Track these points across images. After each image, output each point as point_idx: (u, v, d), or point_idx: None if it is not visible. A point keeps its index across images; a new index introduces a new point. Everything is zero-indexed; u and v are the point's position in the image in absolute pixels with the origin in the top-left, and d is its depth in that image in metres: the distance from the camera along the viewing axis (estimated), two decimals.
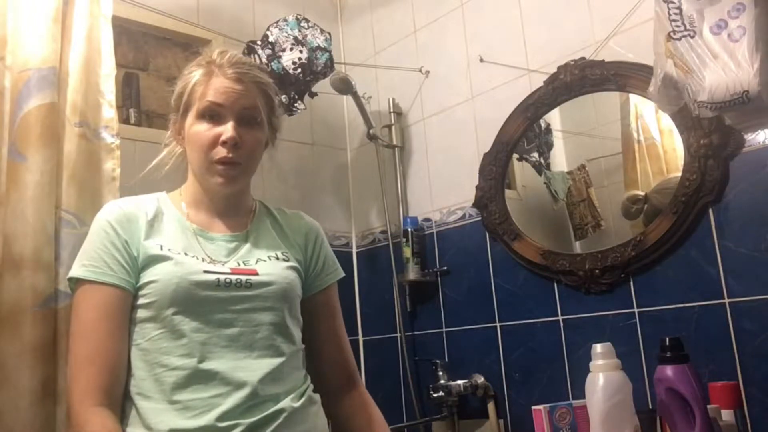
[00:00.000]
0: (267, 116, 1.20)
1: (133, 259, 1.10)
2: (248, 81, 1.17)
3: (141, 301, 1.09)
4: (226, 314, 1.08)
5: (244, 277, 1.11)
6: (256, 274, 1.13)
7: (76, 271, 1.09)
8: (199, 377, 1.04)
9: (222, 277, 1.09)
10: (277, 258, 1.18)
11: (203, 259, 1.12)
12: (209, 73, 1.17)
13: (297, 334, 1.18)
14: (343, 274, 1.33)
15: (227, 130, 1.12)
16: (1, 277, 1.35)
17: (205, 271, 1.09)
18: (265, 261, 1.17)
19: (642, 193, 1.60)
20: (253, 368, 1.07)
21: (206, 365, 1.05)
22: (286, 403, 1.08)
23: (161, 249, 1.10)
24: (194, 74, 1.18)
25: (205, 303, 1.07)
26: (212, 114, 1.14)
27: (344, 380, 1.27)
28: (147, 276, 1.09)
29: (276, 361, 1.10)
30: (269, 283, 1.13)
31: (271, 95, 1.22)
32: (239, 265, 1.13)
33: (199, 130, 1.14)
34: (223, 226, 1.19)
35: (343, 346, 1.28)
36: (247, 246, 1.18)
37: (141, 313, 1.09)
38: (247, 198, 1.26)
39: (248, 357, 1.08)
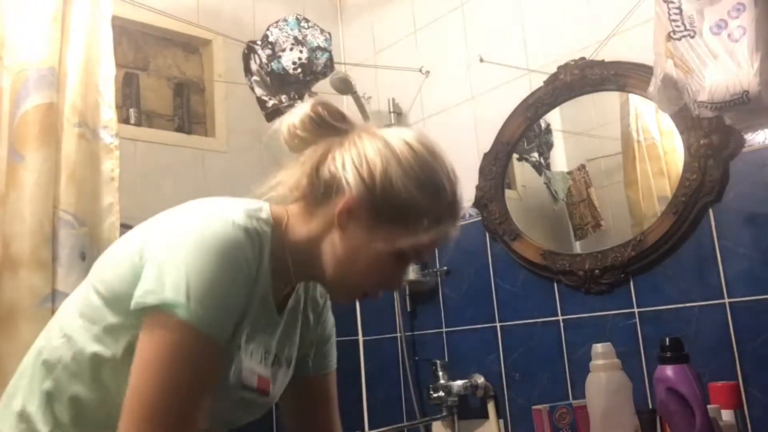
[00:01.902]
0: None
1: (236, 317, 0.82)
2: None
3: None
4: (221, 407, 0.87)
5: (261, 397, 0.93)
6: (268, 392, 0.94)
7: (201, 322, 0.76)
8: None
9: (251, 395, 0.90)
10: (288, 366, 1.00)
11: (255, 366, 0.90)
12: (452, 236, 0.94)
13: None
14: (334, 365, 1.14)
15: (403, 278, 0.96)
16: (0, 277, 1.35)
17: (246, 388, 0.88)
18: (280, 367, 0.97)
19: None
20: None
21: None
22: None
23: (244, 338, 0.85)
24: (445, 224, 0.91)
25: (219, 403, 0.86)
26: (406, 261, 0.93)
27: None
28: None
29: None
30: (272, 398, 0.97)
31: None
32: (265, 370, 0.93)
33: (388, 269, 0.90)
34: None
35: (334, 415, 1.14)
36: (276, 339, 0.95)
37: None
38: None
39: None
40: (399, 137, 0.90)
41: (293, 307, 0.98)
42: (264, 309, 0.89)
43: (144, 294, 0.76)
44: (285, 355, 0.97)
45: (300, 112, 0.91)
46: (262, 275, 0.84)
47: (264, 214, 0.88)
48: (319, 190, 0.88)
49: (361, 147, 0.88)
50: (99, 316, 0.82)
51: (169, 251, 0.78)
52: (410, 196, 0.86)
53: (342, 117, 0.92)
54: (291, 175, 0.91)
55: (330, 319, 1.09)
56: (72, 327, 0.84)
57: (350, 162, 0.86)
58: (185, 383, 0.75)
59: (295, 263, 0.90)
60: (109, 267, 0.86)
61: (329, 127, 0.90)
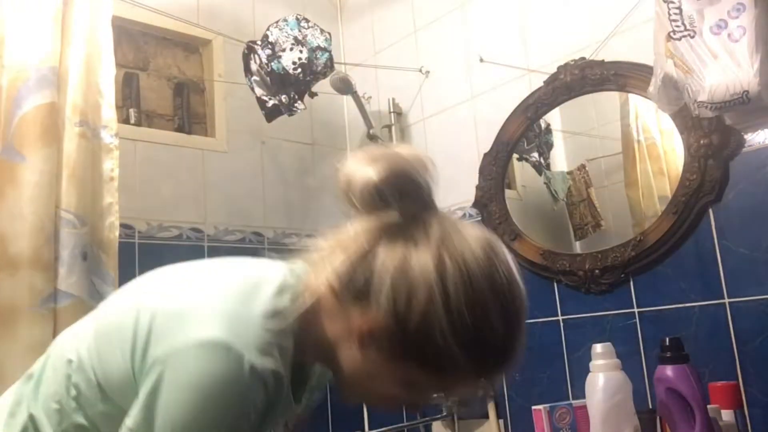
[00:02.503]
0: None
1: None
2: None
3: None
4: None
5: None
6: None
7: None
8: None
9: None
10: None
11: None
12: (491, 383, 0.84)
13: None
14: None
15: (421, 406, 0.89)
16: None
17: None
18: None
19: None
20: None
21: None
22: None
23: None
24: (483, 383, 0.81)
25: None
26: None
27: None
28: None
29: None
30: None
31: None
32: None
33: (408, 393, 0.78)
34: None
35: None
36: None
37: None
38: None
39: None
40: (461, 261, 0.70)
41: (308, 395, 0.88)
42: (283, 410, 0.79)
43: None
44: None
45: (365, 174, 0.73)
46: (282, 395, 0.74)
47: (291, 306, 0.74)
48: (352, 288, 0.73)
49: (409, 260, 0.70)
50: (91, 396, 0.74)
51: (177, 391, 0.67)
52: (447, 348, 0.69)
53: (414, 195, 0.75)
54: (333, 259, 0.75)
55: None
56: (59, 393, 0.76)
57: (390, 278, 0.70)
58: None
59: (313, 354, 0.79)
60: (106, 348, 0.74)
61: (389, 210, 0.73)
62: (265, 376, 0.68)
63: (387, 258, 0.71)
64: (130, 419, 0.68)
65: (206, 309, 0.70)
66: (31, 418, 0.77)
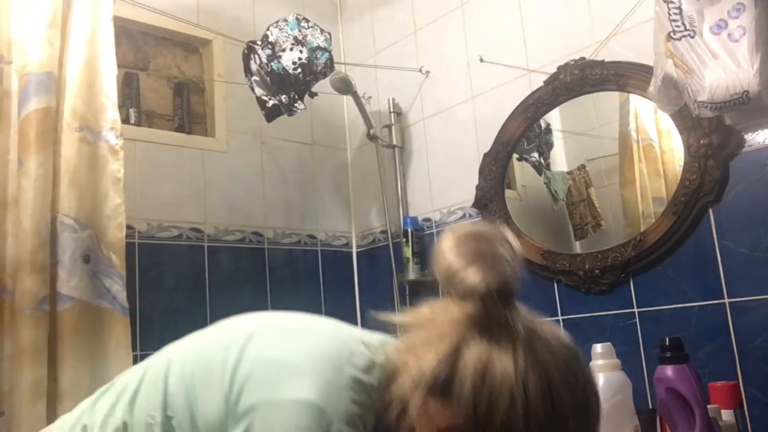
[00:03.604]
0: None
1: None
2: None
3: None
4: None
5: None
6: None
7: None
8: None
9: None
10: None
11: None
12: None
13: None
14: None
15: None
16: (5, 279, 1.35)
17: None
18: None
19: None
20: None
21: None
22: None
23: None
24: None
25: None
26: None
27: None
28: None
29: None
30: None
31: None
32: None
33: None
34: None
35: None
36: None
37: None
38: None
39: None
40: (543, 369, 0.71)
41: None
42: None
43: None
44: None
45: (471, 281, 0.73)
46: None
47: (377, 382, 0.76)
48: (435, 385, 0.73)
49: (493, 361, 0.70)
50: None
51: None
52: None
53: (509, 298, 0.75)
54: (426, 353, 0.75)
55: None
56: None
57: (471, 377, 0.70)
58: None
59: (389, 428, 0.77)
60: (204, 380, 0.76)
61: (484, 309, 0.74)
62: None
63: (471, 356, 0.71)
64: None
65: (305, 369, 0.73)
66: (125, 426, 0.78)
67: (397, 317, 0.81)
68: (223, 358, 0.76)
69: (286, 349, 0.76)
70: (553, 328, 0.77)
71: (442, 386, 0.72)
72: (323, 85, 2.00)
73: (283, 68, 1.84)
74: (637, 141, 1.65)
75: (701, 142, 1.46)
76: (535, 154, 1.85)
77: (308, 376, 0.72)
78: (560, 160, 1.84)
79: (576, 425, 0.73)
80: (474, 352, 0.71)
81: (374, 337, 0.82)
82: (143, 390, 0.80)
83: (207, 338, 0.83)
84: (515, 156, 1.87)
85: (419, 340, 0.77)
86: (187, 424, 0.75)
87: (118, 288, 1.48)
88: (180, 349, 0.83)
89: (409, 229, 2.04)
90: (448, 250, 0.76)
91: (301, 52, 1.85)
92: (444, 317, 0.77)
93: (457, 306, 0.75)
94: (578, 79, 1.70)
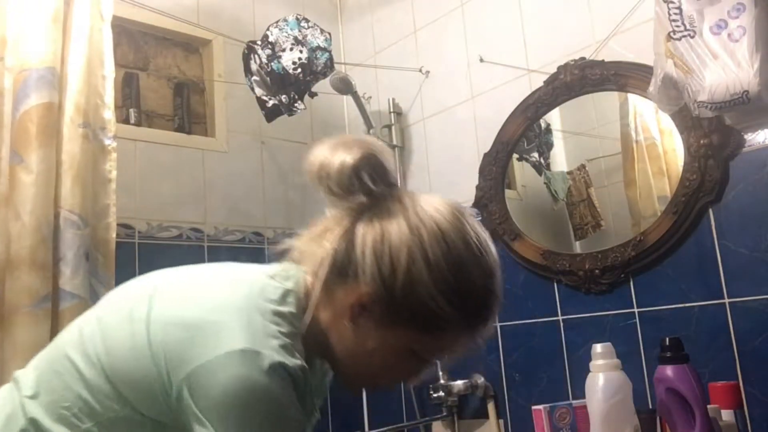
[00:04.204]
0: None
1: None
2: None
3: None
4: None
5: None
6: None
7: None
8: None
9: None
10: None
11: None
12: (480, 336, 0.84)
13: None
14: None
15: (420, 373, 0.86)
16: (2, 277, 1.35)
17: None
18: None
19: None
20: None
21: None
22: None
23: None
24: (473, 334, 0.82)
25: None
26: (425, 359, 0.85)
27: None
28: None
29: None
30: None
31: None
32: None
33: (406, 368, 0.83)
34: None
35: None
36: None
37: None
38: None
39: None
40: (433, 222, 0.76)
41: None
42: (309, 406, 0.82)
43: None
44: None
45: (339, 158, 0.77)
46: (308, 390, 0.77)
47: (296, 309, 0.78)
48: (338, 272, 0.78)
49: (387, 229, 0.76)
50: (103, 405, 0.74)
51: (220, 404, 0.69)
52: (435, 304, 0.74)
53: (385, 176, 0.79)
54: (314, 248, 0.81)
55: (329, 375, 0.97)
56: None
57: (371, 248, 0.75)
58: None
59: (315, 349, 0.81)
60: (120, 353, 0.74)
61: (365, 189, 0.78)
62: (295, 371, 0.71)
63: (366, 232, 0.76)
64: None
65: (222, 322, 0.72)
66: (33, 423, 0.76)
67: (294, 240, 0.83)
68: (130, 332, 0.74)
69: (196, 306, 0.75)
70: (433, 195, 0.82)
71: (342, 266, 0.77)
72: (323, 85, 2.00)
73: (283, 68, 1.84)
74: (638, 141, 1.65)
75: (701, 142, 1.46)
76: (535, 154, 1.85)
77: (228, 326, 0.72)
78: (560, 160, 1.83)
79: (476, 267, 0.77)
80: (365, 227, 0.77)
81: (277, 268, 0.82)
82: (48, 381, 0.78)
83: (108, 310, 0.81)
84: (515, 156, 1.87)
85: (313, 243, 0.82)
86: (110, 399, 0.74)
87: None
88: (76, 329, 0.80)
89: None
90: (312, 156, 0.80)
91: (301, 52, 1.85)
92: (331, 215, 0.81)
93: (341, 202, 0.80)
94: (578, 79, 1.70)
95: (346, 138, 0.80)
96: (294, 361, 0.72)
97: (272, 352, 0.70)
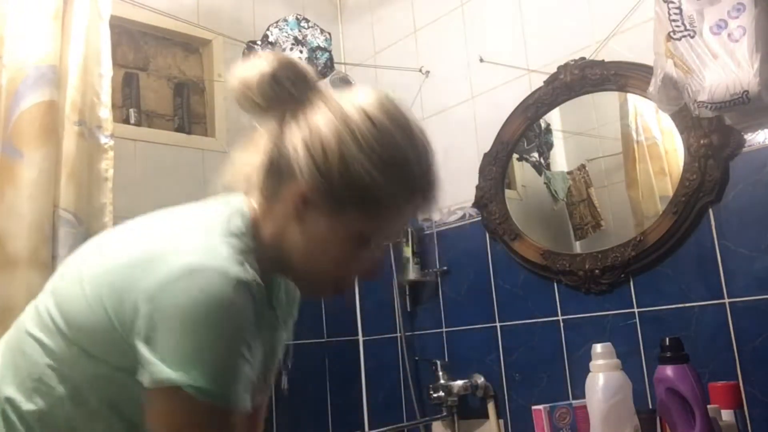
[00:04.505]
0: None
1: None
2: None
3: None
4: None
5: None
6: None
7: (224, 392, 0.70)
8: None
9: None
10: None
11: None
12: (423, 211, 0.87)
13: None
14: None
15: (377, 263, 0.88)
16: None
17: None
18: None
19: None
20: None
21: None
22: None
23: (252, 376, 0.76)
24: (413, 205, 0.84)
25: None
26: (377, 243, 0.86)
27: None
28: None
29: None
30: None
31: None
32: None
33: (350, 254, 0.83)
34: None
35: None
36: (275, 342, 0.92)
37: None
38: None
39: None
40: (358, 106, 0.79)
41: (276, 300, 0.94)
42: (264, 333, 0.82)
43: (157, 370, 0.68)
44: (275, 358, 0.92)
45: (257, 69, 0.79)
46: (264, 306, 0.79)
47: (244, 227, 0.79)
48: (275, 177, 0.81)
49: (314, 122, 0.78)
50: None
51: (176, 321, 0.69)
52: (371, 179, 0.77)
53: (303, 78, 0.81)
54: (247, 163, 0.84)
55: (295, 307, 1.00)
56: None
57: (302, 143, 0.77)
58: None
59: (269, 264, 0.82)
60: (78, 308, 0.76)
61: (286, 94, 0.80)
62: (249, 282, 0.72)
63: (293, 131, 0.79)
64: (146, 375, 0.69)
65: (170, 246, 0.74)
66: (9, 401, 0.77)
67: (228, 165, 0.87)
68: (81, 291, 0.75)
69: (140, 242, 0.76)
70: (359, 86, 0.86)
71: (277, 170, 0.80)
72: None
73: None
74: (639, 141, 1.65)
75: (701, 142, 1.46)
76: (535, 154, 1.86)
77: (176, 249, 0.73)
78: (560, 160, 1.84)
79: (407, 140, 0.80)
80: (293, 127, 0.79)
81: (220, 197, 0.85)
82: (10, 362, 0.80)
83: (59, 279, 0.82)
84: (515, 156, 1.87)
85: (248, 162, 0.84)
86: (76, 357, 0.75)
87: None
88: (42, 307, 0.80)
89: (409, 229, 2.04)
90: (232, 78, 0.81)
91: (301, 52, 1.85)
92: (258, 134, 0.84)
93: (267, 113, 0.82)
94: (578, 79, 1.70)
95: (259, 54, 0.83)
96: (248, 275, 0.73)
97: (228, 263, 0.71)
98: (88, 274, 0.76)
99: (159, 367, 0.68)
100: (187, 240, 0.75)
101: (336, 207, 0.78)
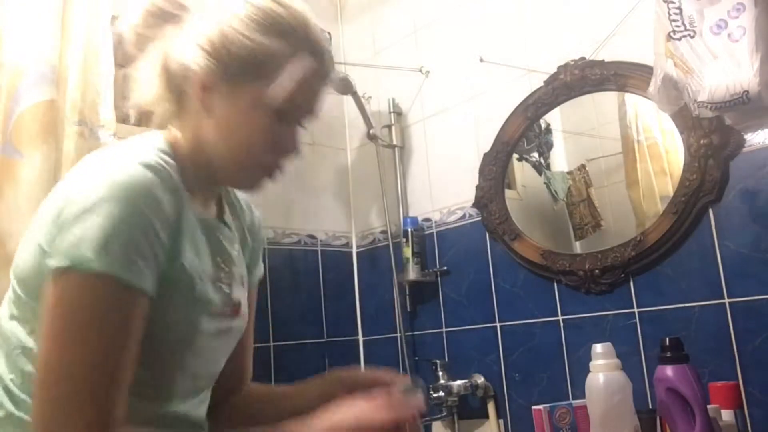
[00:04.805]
0: None
1: (159, 263, 0.77)
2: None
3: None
4: (204, 347, 0.86)
5: (234, 320, 0.92)
6: (239, 311, 0.93)
7: (113, 266, 0.71)
8: (164, 422, 0.83)
9: (224, 324, 0.89)
10: (243, 284, 0.96)
11: (215, 290, 0.87)
12: (320, 75, 0.90)
13: None
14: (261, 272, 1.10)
15: (297, 139, 0.92)
16: None
17: (216, 315, 0.87)
18: (240, 285, 0.95)
19: None
20: (203, 404, 0.92)
21: (173, 407, 0.84)
22: None
23: (187, 268, 0.81)
24: (303, 60, 0.86)
25: (202, 348, 0.86)
26: (289, 115, 0.89)
27: (236, 384, 1.05)
28: (161, 302, 0.77)
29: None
30: (244, 319, 0.95)
31: None
32: (229, 293, 0.91)
33: (266, 126, 0.86)
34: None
35: (248, 348, 1.07)
36: (225, 258, 0.93)
37: None
38: None
39: (202, 393, 0.92)
40: None
41: (229, 216, 0.98)
42: (205, 236, 0.87)
43: (51, 262, 0.72)
44: (237, 273, 0.94)
45: (138, 8, 0.88)
46: (184, 206, 0.81)
47: (161, 145, 0.84)
48: (177, 89, 0.86)
49: (195, 23, 0.85)
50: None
51: (82, 206, 0.72)
52: (257, 44, 0.83)
53: (179, 2, 0.88)
54: (148, 91, 0.90)
55: (257, 227, 1.06)
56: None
57: (189, 43, 0.84)
58: (102, 334, 0.71)
59: (201, 173, 0.88)
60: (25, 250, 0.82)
61: (168, 16, 0.87)
62: (155, 164, 0.77)
63: (174, 36, 0.86)
64: (53, 260, 0.72)
65: (89, 174, 0.77)
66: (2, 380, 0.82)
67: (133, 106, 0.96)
68: (33, 255, 0.78)
69: (65, 190, 0.78)
70: None
71: (174, 78, 0.86)
72: None
73: None
74: (639, 141, 1.65)
75: (701, 142, 1.46)
76: (535, 154, 1.86)
77: (95, 175, 0.76)
78: (560, 160, 1.83)
79: (284, 10, 0.85)
80: (172, 36, 0.87)
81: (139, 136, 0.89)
82: None
83: (16, 259, 0.84)
84: (515, 156, 1.87)
85: (145, 87, 0.91)
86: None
87: None
88: (9, 293, 0.85)
89: (409, 229, 2.04)
90: (122, 23, 0.92)
91: None
92: (145, 62, 0.92)
93: (145, 41, 0.91)
94: (578, 79, 1.70)
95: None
96: (158, 159, 0.78)
97: (134, 156, 0.77)
98: (34, 240, 0.79)
99: (51, 258, 0.72)
100: (105, 164, 0.78)
101: (234, 84, 0.84)
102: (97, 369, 0.70)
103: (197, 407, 0.90)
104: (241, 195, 1.05)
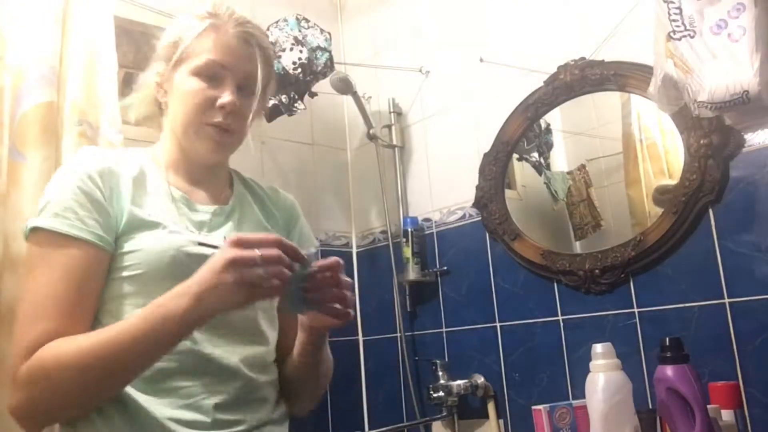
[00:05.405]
0: (265, 86, 1.10)
1: (114, 220, 0.97)
2: (254, 45, 1.08)
3: (120, 273, 0.96)
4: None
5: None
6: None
7: (44, 221, 0.94)
8: (190, 362, 0.95)
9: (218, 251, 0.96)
10: None
11: (194, 232, 1.02)
12: (214, 28, 1.06)
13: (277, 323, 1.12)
14: (316, 244, 1.26)
15: (227, 94, 1.04)
16: (0, 276, 1.35)
17: (201, 243, 0.97)
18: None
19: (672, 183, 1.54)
20: (238, 353, 1.01)
21: (198, 347, 0.96)
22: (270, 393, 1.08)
23: (149, 216, 0.99)
24: (195, 25, 1.07)
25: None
26: (211, 74, 1.04)
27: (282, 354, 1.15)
28: (131, 244, 0.96)
29: (261, 349, 1.06)
30: None
31: (272, 64, 1.17)
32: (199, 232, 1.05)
33: (194, 87, 1.04)
34: (205, 195, 1.10)
35: (292, 327, 1.14)
36: (234, 220, 1.09)
37: (116, 289, 0.96)
38: (226, 166, 1.19)
39: (234, 341, 1.01)
40: None
41: (239, 194, 1.17)
42: (166, 197, 1.04)
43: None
44: (257, 231, 1.10)
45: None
46: (149, 176, 1.04)
47: (155, 145, 1.14)
48: (156, 101, 1.13)
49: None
50: None
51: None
52: (174, 33, 1.11)
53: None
54: (144, 110, 1.19)
55: (286, 204, 1.23)
56: None
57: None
58: (50, 278, 0.93)
59: (181, 156, 1.10)
60: None
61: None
62: (97, 154, 1.04)
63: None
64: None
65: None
66: None
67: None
68: None
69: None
70: None
71: (183, 57, 1.07)
72: (323, 85, 2.00)
73: (283, 68, 1.84)
74: (641, 140, 1.65)
75: (701, 142, 1.46)
76: (535, 154, 1.86)
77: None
78: (560, 160, 1.83)
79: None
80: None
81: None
82: None
83: None
84: (515, 156, 1.87)
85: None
86: None
87: None
88: None
89: (409, 229, 2.04)
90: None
91: (301, 52, 1.85)
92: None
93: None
94: (578, 79, 1.70)
95: None
96: (104, 151, 1.10)
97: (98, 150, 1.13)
98: None
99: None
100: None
101: (172, 72, 1.08)
102: (33, 299, 0.92)
103: (230, 354, 1.00)
104: (266, 185, 1.26)
